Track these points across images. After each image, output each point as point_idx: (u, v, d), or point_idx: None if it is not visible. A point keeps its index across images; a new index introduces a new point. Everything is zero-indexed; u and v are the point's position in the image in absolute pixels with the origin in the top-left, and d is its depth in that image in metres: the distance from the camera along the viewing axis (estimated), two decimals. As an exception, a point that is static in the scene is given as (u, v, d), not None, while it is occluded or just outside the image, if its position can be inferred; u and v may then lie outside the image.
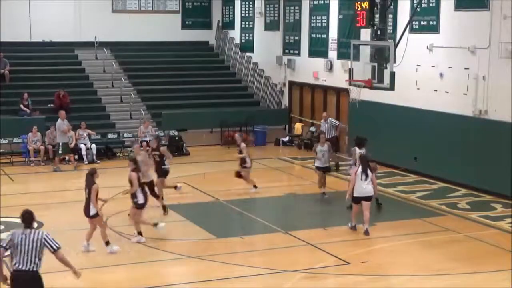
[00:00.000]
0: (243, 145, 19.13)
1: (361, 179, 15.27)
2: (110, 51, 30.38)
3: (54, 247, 9.71)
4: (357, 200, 15.44)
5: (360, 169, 15.33)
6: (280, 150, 26.62)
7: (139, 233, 14.91)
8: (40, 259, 9.64)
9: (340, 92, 25.16)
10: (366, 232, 15.32)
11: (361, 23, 18.52)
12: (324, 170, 18.91)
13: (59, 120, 22.72)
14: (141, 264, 13.55)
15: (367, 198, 15.40)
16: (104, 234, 14.44)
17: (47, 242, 9.66)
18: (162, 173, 17.49)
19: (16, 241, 9.60)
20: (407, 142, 21.58)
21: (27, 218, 9.84)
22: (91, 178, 14.38)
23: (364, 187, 15.30)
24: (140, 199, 14.85)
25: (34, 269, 9.56)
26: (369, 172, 15.37)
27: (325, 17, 25.73)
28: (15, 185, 20.51)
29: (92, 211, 14.33)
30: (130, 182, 14.82)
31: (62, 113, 22.98)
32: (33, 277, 9.60)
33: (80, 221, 16.61)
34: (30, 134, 23.18)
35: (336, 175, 21.30)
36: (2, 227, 15.61)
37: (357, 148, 17.61)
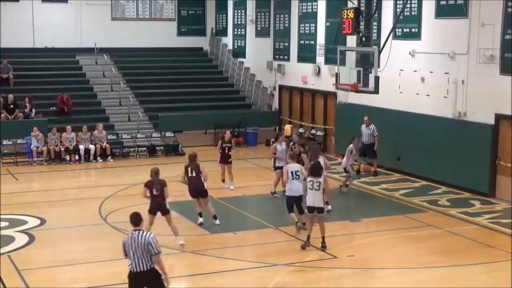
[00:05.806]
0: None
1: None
2: (110, 56, 30.27)
3: (156, 251, 9.60)
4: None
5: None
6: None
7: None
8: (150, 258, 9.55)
9: (327, 96, 25.13)
10: None
11: (347, 30, 18.48)
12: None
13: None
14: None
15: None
16: (211, 209, 15.61)
17: (151, 245, 9.54)
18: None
19: (127, 245, 9.54)
20: (391, 142, 21.58)
21: (134, 220, 9.69)
22: (194, 160, 15.02)
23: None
24: None
25: (148, 267, 9.53)
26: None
27: (313, 25, 25.72)
28: (19, 184, 20.43)
29: (205, 187, 15.18)
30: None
31: None
32: (148, 275, 9.57)
33: (80, 217, 16.63)
34: (32, 134, 23.06)
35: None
36: (6, 223, 15.54)
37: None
